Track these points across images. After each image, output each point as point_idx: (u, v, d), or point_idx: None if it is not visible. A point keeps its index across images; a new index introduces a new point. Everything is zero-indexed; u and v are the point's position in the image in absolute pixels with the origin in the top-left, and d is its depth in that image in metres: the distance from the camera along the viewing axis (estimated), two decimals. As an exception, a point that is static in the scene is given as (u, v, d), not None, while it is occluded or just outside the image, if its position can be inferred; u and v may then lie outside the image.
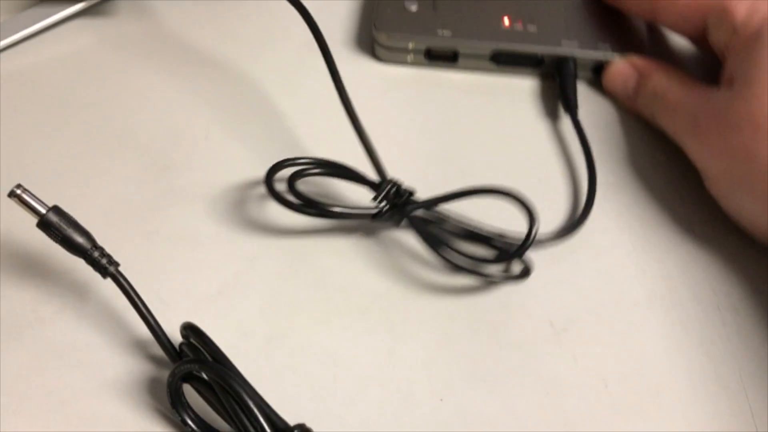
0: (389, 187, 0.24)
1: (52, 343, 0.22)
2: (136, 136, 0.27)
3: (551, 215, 0.25)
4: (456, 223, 0.24)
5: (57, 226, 0.20)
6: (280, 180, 0.24)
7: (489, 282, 0.24)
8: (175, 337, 0.21)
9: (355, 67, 0.30)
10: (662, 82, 0.26)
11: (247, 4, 0.31)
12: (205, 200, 0.26)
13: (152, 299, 0.22)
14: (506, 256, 0.23)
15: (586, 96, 0.29)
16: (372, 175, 0.25)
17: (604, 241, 0.25)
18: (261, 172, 0.24)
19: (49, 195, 0.21)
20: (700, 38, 0.26)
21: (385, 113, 0.28)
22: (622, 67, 0.28)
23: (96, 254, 0.21)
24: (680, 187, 0.26)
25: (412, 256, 0.25)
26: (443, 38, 0.29)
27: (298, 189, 0.24)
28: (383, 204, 0.24)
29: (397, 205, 0.24)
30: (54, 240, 0.21)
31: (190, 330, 0.21)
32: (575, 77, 0.28)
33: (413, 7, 0.30)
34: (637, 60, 0.28)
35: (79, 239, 0.21)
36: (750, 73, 0.23)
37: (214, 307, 0.23)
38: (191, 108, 0.28)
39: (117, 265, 0.21)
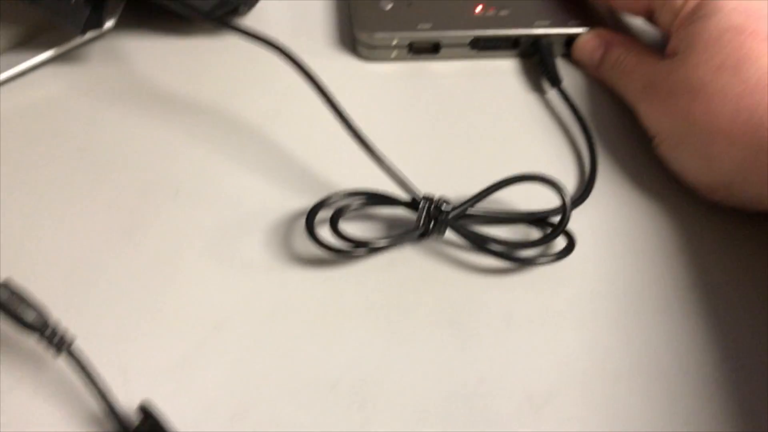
0: (427, 204, 0.23)
1: (8, 417, 0.21)
2: (105, 191, 0.26)
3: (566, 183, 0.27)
4: (492, 215, 0.25)
5: (6, 305, 0.20)
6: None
7: (539, 265, 0.24)
8: (134, 411, 0.20)
9: (341, 68, 0.31)
10: (621, 52, 0.29)
11: (222, 43, 0.31)
12: (174, 262, 0.24)
13: (112, 371, 0.21)
14: (553, 235, 0.24)
15: (562, 68, 0.31)
16: (400, 192, 0.24)
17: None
18: (232, 229, 0.24)
19: (5, 253, 0.20)
20: (649, 18, 0.29)
21: (380, 112, 0.29)
22: (588, 39, 0.30)
23: (48, 333, 0.20)
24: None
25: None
26: (424, 32, 0.30)
27: (341, 230, 0.23)
28: (427, 221, 0.23)
29: (437, 218, 0.24)
30: (5, 316, 0.20)
31: (143, 411, 0.20)
32: (552, 53, 0.30)
33: (388, 6, 0.31)
34: (602, 32, 0.30)
35: (31, 318, 0.20)
36: (687, 45, 0.25)
37: (176, 378, 0.21)
38: (163, 159, 0.27)
39: (70, 343, 0.20)
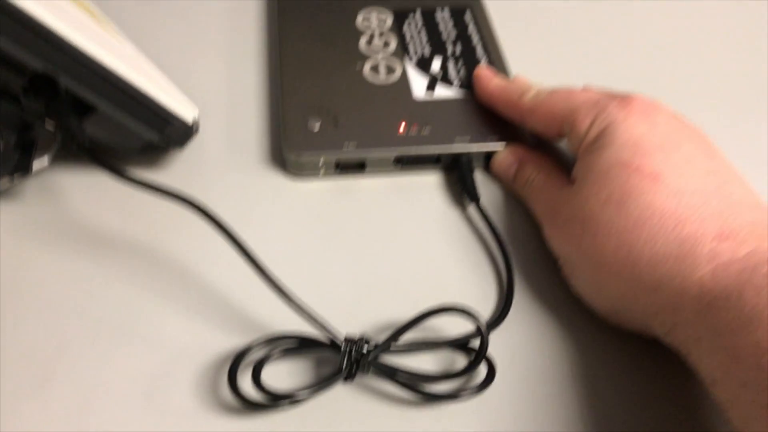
0: (348, 346, 0.24)
1: None
2: (21, 335, 0.26)
3: (483, 304, 0.28)
4: (415, 346, 0.26)
5: None
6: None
7: (467, 397, 0.25)
8: None
9: (272, 186, 0.32)
10: (532, 171, 0.30)
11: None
12: (92, 411, 0.24)
13: None
14: (473, 365, 0.25)
15: (483, 183, 0.32)
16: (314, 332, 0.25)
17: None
18: (160, 374, 0.25)
19: None
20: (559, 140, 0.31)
21: (307, 231, 0.30)
22: (504, 155, 0.32)
23: None
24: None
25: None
26: (349, 151, 0.31)
27: (264, 384, 0.24)
28: (349, 364, 0.24)
29: (360, 360, 0.24)
30: None
31: None
32: (472, 169, 0.32)
33: (316, 126, 0.32)
34: (518, 149, 0.31)
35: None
36: (582, 176, 0.27)
37: None
38: (88, 299, 0.27)
39: None
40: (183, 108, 0.29)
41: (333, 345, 0.25)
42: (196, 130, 0.31)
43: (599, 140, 0.27)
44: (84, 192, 0.31)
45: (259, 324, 0.27)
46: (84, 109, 0.27)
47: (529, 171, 0.30)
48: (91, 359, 0.26)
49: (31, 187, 0.31)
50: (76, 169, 0.31)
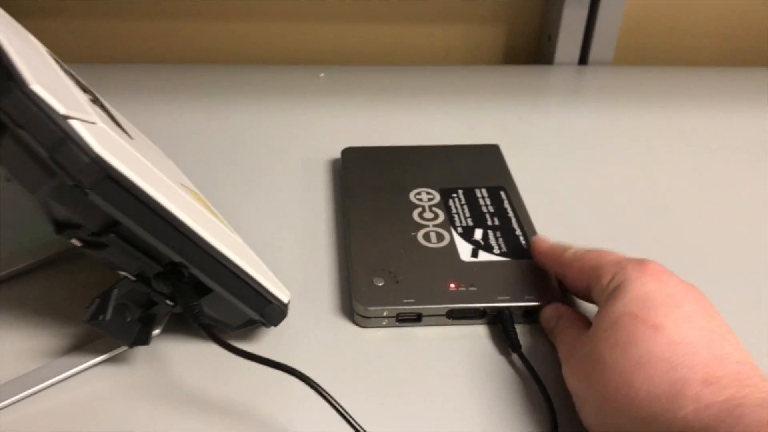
0: None
1: None
2: None
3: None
4: None
5: None
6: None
7: None
8: None
9: (341, 334, 0.37)
10: (567, 323, 0.36)
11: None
12: None
13: None
14: None
15: (523, 333, 0.38)
16: None
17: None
18: None
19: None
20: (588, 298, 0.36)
21: (373, 374, 0.35)
22: (547, 310, 0.37)
23: None
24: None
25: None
26: (409, 305, 0.37)
27: None
28: None
29: None
30: None
31: None
32: (513, 322, 0.37)
33: (380, 283, 0.38)
34: (559, 306, 0.37)
35: None
36: (597, 322, 0.32)
37: None
38: None
39: None
40: (279, 290, 0.35)
41: None
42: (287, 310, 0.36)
43: (615, 293, 0.32)
44: (187, 359, 0.35)
45: None
46: (202, 291, 0.32)
47: (565, 323, 0.36)
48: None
49: (141, 352, 0.36)
50: (181, 339, 0.36)
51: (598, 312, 0.33)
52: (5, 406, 0.33)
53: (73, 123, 0.26)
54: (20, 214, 0.45)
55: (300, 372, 0.30)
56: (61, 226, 0.29)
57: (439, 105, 0.60)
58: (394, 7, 0.69)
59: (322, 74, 0.63)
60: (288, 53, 0.71)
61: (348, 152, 0.50)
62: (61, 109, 0.26)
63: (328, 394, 0.29)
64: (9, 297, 0.39)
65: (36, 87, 0.26)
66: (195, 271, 0.30)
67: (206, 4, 0.67)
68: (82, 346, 0.35)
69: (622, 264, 0.33)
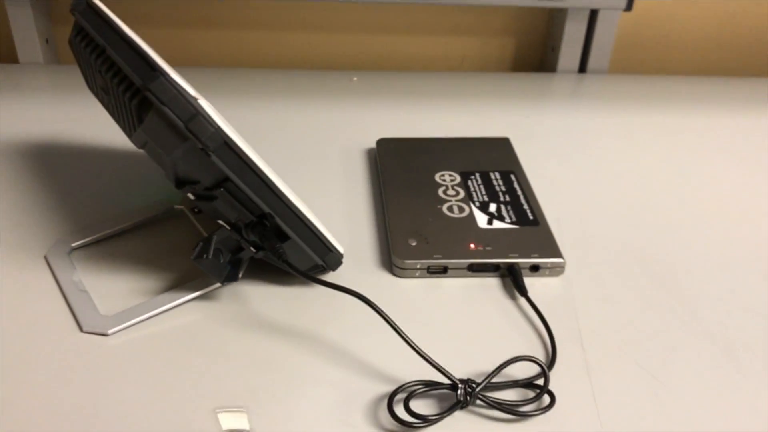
0: (464, 386, 0.36)
1: None
2: (220, 390, 0.37)
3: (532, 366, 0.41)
4: (499, 384, 0.38)
5: None
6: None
7: (535, 416, 0.37)
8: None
9: (383, 283, 0.46)
10: None
11: (312, 290, 0.45)
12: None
13: None
14: (542, 393, 0.38)
15: (529, 284, 0.47)
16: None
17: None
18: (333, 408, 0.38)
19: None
20: None
21: (410, 315, 0.44)
22: None
23: None
24: (598, 331, 0.43)
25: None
26: (437, 260, 0.46)
27: (412, 410, 0.35)
28: (464, 397, 0.36)
29: (471, 393, 0.36)
30: None
31: None
32: (521, 274, 0.46)
33: (414, 243, 0.48)
34: None
35: None
36: None
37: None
38: (267, 368, 0.39)
39: None
40: (335, 241, 0.44)
41: (452, 386, 0.38)
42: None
43: None
44: (262, 297, 0.44)
45: (399, 374, 0.40)
46: (282, 239, 0.41)
47: None
48: (286, 396, 0.39)
49: (224, 292, 0.45)
50: (256, 281, 0.46)
51: None
52: (118, 331, 0.42)
53: (201, 102, 0.35)
54: (124, 183, 0.54)
55: (365, 297, 0.38)
56: (181, 182, 0.38)
57: (457, 105, 0.69)
58: (416, 20, 0.78)
59: (355, 78, 0.73)
60: (324, 59, 0.80)
61: (382, 142, 0.60)
62: (192, 91, 0.35)
63: (387, 316, 0.38)
64: (117, 249, 0.48)
65: (175, 75, 0.35)
66: (279, 221, 0.39)
67: (259, 15, 0.77)
68: (178, 286, 0.45)
69: None
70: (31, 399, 0.37)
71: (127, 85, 0.36)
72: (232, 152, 0.36)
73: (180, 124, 0.34)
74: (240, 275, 0.43)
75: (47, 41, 0.76)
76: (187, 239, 0.49)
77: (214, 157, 0.36)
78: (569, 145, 0.63)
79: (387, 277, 0.47)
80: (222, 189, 0.38)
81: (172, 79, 0.34)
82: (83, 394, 0.38)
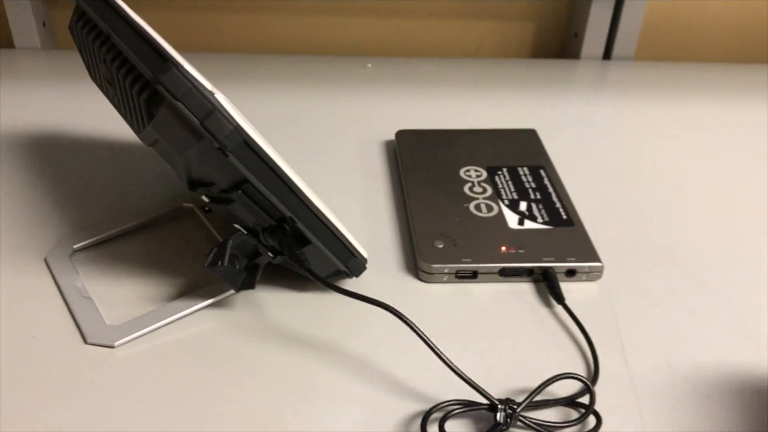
0: (504, 407, 0.34)
1: None
2: (237, 410, 0.34)
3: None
4: (540, 403, 0.35)
5: None
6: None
7: None
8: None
9: (408, 288, 0.43)
10: None
11: (331, 296, 0.42)
12: None
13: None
14: (586, 413, 0.35)
15: (565, 290, 0.43)
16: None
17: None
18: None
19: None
20: None
21: (438, 324, 0.41)
22: None
23: None
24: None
25: None
26: (466, 264, 0.43)
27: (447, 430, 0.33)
28: (505, 419, 0.33)
29: (511, 415, 0.34)
30: None
31: None
32: (557, 279, 0.43)
33: (440, 245, 0.44)
34: None
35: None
36: None
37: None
38: (282, 388, 0.36)
39: None
40: (360, 245, 0.40)
41: (491, 406, 0.34)
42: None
43: None
44: (278, 304, 0.41)
45: (431, 392, 0.37)
46: (302, 244, 0.37)
47: None
48: (309, 416, 0.36)
49: (239, 298, 0.42)
50: (272, 287, 0.42)
51: None
52: (125, 343, 0.38)
53: (218, 96, 0.32)
54: (129, 178, 0.51)
55: (397, 311, 0.35)
56: (195, 184, 0.35)
57: (476, 93, 0.66)
58: (430, 4, 0.75)
59: (369, 65, 0.69)
60: (335, 45, 0.77)
61: (401, 134, 0.56)
62: (208, 85, 0.32)
63: (421, 331, 0.35)
64: (122, 251, 0.45)
65: (189, 66, 0.31)
66: (300, 226, 0.36)
67: (268, 2, 0.73)
68: (188, 292, 0.41)
69: None
70: (30, 417, 0.34)
71: (135, 77, 0.32)
72: (252, 152, 0.33)
73: (195, 121, 0.31)
74: (256, 282, 0.40)
75: (44, 24, 0.72)
76: (198, 240, 0.46)
77: (232, 158, 0.32)
78: (597, 137, 0.60)
79: (412, 282, 0.44)
80: (240, 192, 0.34)
81: (185, 70, 0.31)
82: (87, 412, 0.34)
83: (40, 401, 0.35)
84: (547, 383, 0.35)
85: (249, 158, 0.33)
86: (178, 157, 0.32)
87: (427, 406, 0.36)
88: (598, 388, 0.37)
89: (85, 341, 0.38)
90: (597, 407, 0.36)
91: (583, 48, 0.72)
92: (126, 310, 0.41)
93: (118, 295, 0.42)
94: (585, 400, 0.36)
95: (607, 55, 0.74)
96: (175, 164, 0.34)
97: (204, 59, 0.70)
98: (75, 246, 0.44)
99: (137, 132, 0.35)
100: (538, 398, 0.36)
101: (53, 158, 0.54)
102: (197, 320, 0.40)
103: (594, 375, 0.38)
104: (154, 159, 0.54)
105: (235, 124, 0.32)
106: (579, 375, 0.35)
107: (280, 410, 0.35)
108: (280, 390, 0.36)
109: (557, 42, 0.78)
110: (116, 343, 0.38)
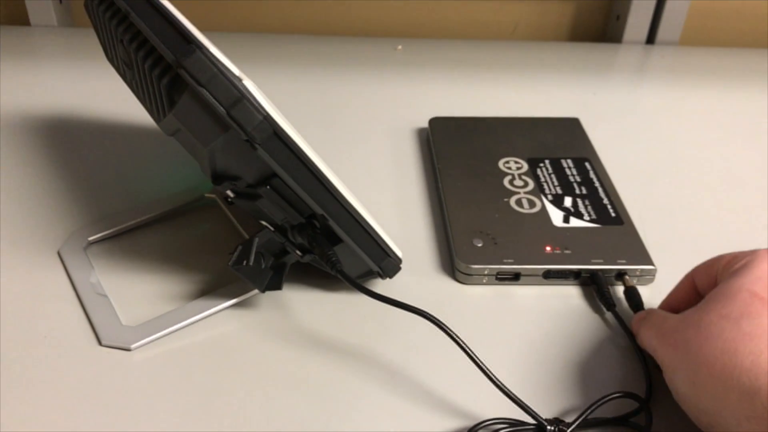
0: (555, 427, 0.31)
1: None
2: (256, 427, 0.32)
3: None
4: (590, 422, 0.32)
5: None
6: None
7: None
8: None
9: (444, 290, 0.40)
10: (656, 310, 0.36)
11: (360, 296, 0.38)
12: None
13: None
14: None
15: (614, 295, 0.40)
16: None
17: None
18: None
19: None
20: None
21: (479, 329, 0.38)
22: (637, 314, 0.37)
23: None
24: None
25: None
26: (508, 265, 0.40)
27: None
28: None
29: None
30: None
31: None
32: (607, 283, 0.40)
33: (479, 244, 0.41)
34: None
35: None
36: (713, 294, 0.31)
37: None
38: (313, 396, 0.33)
39: None
40: (394, 245, 0.37)
41: (538, 426, 0.31)
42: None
43: (740, 270, 0.32)
44: (306, 303, 0.38)
45: (472, 409, 0.34)
46: (333, 242, 0.35)
47: (653, 311, 0.36)
48: (339, 428, 0.33)
49: (265, 298, 0.39)
50: (299, 286, 0.40)
51: (716, 287, 0.32)
52: (142, 345, 0.36)
53: (246, 83, 0.29)
54: (148, 166, 0.48)
55: (441, 322, 0.32)
56: (220, 178, 0.32)
57: (513, 78, 0.62)
58: (466, -18, 0.71)
59: (399, 47, 0.66)
60: (364, 25, 0.73)
61: (435, 122, 0.53)
62: (235, 70, 0.29)
63: (465, 344, 0.32)
64: (140, 244, 0.42)
65: (214, 49, 0.28)
66: (332, 224, 0.33)
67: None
68: (210, 291, 0.39)
69: (749, 251, 0.33)
70: (41, 424, 0.32)
71: (156, 60, 0.29)
72: (283, 144, 0.30)
73: (221, 110, 0.28)
74: (283, 282, 0.37)
75: (61, 1, 0.69)
76: (222, 233, 0.43)
77: (261, 151, 0.29)
78: (642, 127, 0.56)
79: (448, 284, 0.41)
80: (268, 187, 0.31)
81: (211, 54, 0.28)
82: (101, 421, 0.32)
83: (52, 407, 0.33)
84: (600, 402, 0.32)
85: (279, 151, 0.30)
86: (202, 148, 0.29)
87: (466, 422, 0.33)
88: (654, 406, 0.34)
89: (100, 343, 0.36)
90: (654, 430, 0.33)
91: (625, 31, 0.68)
92: (143, 309, 0.38)
93: (135, 292, 0.39)
94: (640, 420, 0.33)
95: (650, 39, 0.69)
96: (198, 156, 0.31)
97: (226, 39, 0.66)
98: (90, 238, 0.42)
99: (157, 120, 0.32)
100: (590, 418, 0.33)
101: (68, 143, 0.51)
102: (219, 321, 0.38)
103: (648, 391, 0.35)
104: (174, 145, 0.51)
105: (264, 113, 0.29)
106: (634, 393, 0.32)
107: (307, 422, 0.33)
108: (308, 399, 0.34)
109: (597, 24, 0.74)
110: (133, 346, 0.36)
